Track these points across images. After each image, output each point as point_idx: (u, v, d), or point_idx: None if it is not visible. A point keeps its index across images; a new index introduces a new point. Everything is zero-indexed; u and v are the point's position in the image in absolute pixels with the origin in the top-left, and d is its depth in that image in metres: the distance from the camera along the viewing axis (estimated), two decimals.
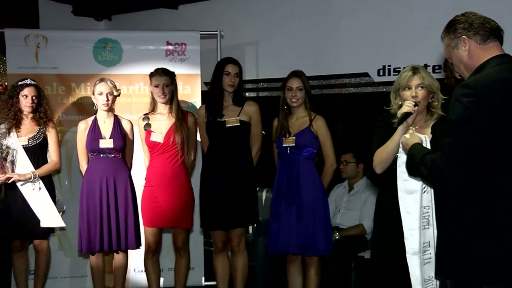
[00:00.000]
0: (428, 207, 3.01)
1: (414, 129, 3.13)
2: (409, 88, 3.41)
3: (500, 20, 2.68)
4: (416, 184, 3.07)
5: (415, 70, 3.45)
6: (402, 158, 3.06)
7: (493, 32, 2.58)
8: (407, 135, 2.97)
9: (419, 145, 2.79)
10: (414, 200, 3.08)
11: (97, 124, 4.96)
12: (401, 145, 3.06)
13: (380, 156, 3.38)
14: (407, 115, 3.24)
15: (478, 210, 2.46)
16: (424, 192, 3.02)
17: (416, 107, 3.28)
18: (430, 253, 3.04)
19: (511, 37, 2.93)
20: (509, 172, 2.43)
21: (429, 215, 3.03)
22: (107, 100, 4.91)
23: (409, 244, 3.10)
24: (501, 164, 2.43)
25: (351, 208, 5.47)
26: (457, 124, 2.42)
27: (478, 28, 2.56)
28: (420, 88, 3.39)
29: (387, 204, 3.39)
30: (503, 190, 2.44)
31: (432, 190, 3.06)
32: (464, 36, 2.58)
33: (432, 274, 2.99)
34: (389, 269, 3.50)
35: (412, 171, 2.79)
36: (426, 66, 5.45)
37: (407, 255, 3.11)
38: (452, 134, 2.43)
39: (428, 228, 3.02)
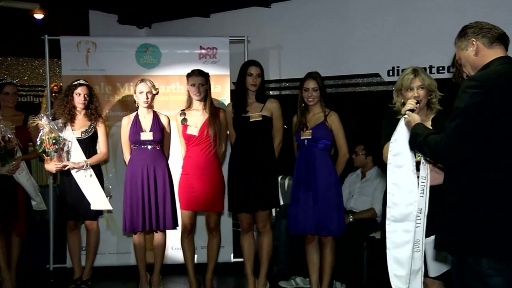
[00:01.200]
0: (424, 178, 2.96)
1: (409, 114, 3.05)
2: (411, 89, 3.44)
3: (500, 24, 2.71)
4: (406, 159, 3.00)
5: (415, 72, 3.48)
6: (394, 136, 2.99)
7: (499, 37, 2.60)
8: (407, 114, 2.94)
9: (422, 125, 2.76)
10: (404, 174, 3.01)
11: (139, 119, 4.99)
12: (400, 124, 2.99)
13: (388, 149, 3.41)
14: (411, 111, 3.26)
15: (475, 188, 2.45)
16: (423, 164, 2.95)
17: (418, 104, 3.27)
18: (420, 219, 2.95)
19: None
20: (506, 156, 2.43)
21: (424, 185, 2.97)
22: (147, 98, 4.94)
23: (390, 212, 3.02)
24: (499, 149, 2.43)
25: (363, 194, 5.45)
26: (462, 111, 2.42)
27: (486, 32, 2.59)
28: (421, 88, 3.43)
29: None
30: (500, 171, 2.43)
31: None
32: (473, 39, 2.61)
33: (420, 237, 2.93)
34: None
35: (415, 148, 2.79)
36: (431, 67, 5.45)
37: (387, 221, 3.04)
38: (457, 119, 2.43)
39: (422, 197, 2.96)
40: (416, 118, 2.85)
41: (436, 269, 3.15)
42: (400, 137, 2.98)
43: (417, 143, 2.66)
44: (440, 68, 5.45)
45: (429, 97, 3.47)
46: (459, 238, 2.49)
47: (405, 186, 3.01)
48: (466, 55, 2.65)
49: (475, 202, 2.45)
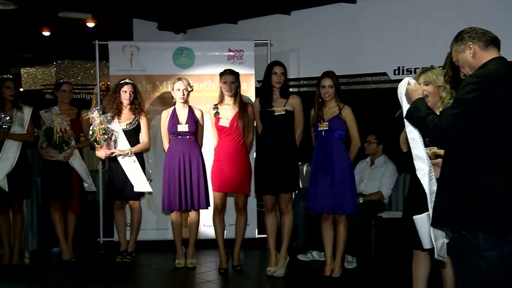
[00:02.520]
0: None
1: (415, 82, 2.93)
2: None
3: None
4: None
5: (422, 71, 3.48)
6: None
7: (492, 40, 2.58)
8: (412, 85, 2.81)
9: (423, 101, 2.71)
10: (418, 145, 2.90)
11: (176, 113, 5.01)
12: (403, 96, 2.87)
13: (403, 138, 3.42)
14: None
15: (472, 170, 2.43)
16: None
17: (427, 97, 3.22)
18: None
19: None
20: (501, 139, 2.42)
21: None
22: (183, 95, 4.96)
23: (417, 164, 2.88)
24: (495, 133, 2.41)
25: (372, 179, 5.42)
26: (464, 101, 2.41)
27: (481, 36, 2.56)
28: (425, 85, 3.38)
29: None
30: (495, 153, 2.41)
31: None
32: (469, 42, 2.58)
33: (435, 188, 2.80)
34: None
35: (413, 121, 2.71)
36: (431, 66, 5.37)
37: (418, 174, 2.88)
38: (458, 107, 2.42)
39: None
40: (419, 91, 2.78)
41: (430, 241, 3.07)
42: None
43: (416, 117, 2.62)
44: (441, 67, 5.38)
45: (440, 93, 3.40)
46: (458, 215, 2.46)
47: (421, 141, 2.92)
48: (464, 57, 2.61)
49: (472, 182, 2.43)
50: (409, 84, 2.85)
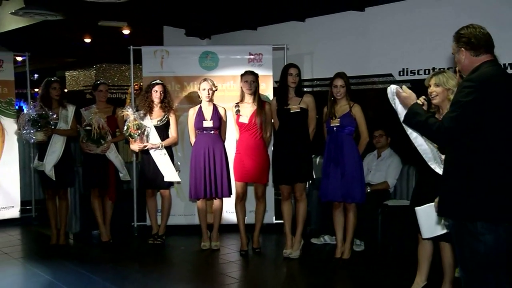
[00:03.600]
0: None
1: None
2: (429, 86, 3.36)
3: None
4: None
5: (434, 73, 3.41)
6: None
7: (485, 46, 2.51)
8: (404, 90, 2.74)
9: (419, 105, 2.68)
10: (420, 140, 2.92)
11: (202, 110, 4.99)
12: (396, 97, 2.80)
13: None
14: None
15: (471, 164, 2.41)
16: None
17: (425, 102, 3.16)
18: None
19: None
20: (498, 136, 2.39)
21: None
22: (209, 94, 4.95)
23: (427, 156, 2.93)
24: (493, 131, 2.39)
25: (379, 170, 5.34)
26: (461, 105, 2.39)
27: (474, 45, 2.50)
28: (435, 86, 3.31)
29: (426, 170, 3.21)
30: (488, 149, 2.39)
31: None
32: (462, 49, 2.53)
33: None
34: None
35: (412, 125, 2.66)
36: (433, 68, 5.32)
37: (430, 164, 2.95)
38: (457, 110, 2.39)
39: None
40: (413, 97, 2.73)
41: (429, 232, 3.07)
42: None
43: (415, 121, 2.58)
44: (442, 70, 5.28)
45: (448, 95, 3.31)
46: (459, 206, 2.43)
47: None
48: (458, 58, 2.58)
49: (473, 176, 2.40)
50: (400, 90, 2.77)
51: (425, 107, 3.14)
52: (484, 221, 2.37)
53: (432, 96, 3.32)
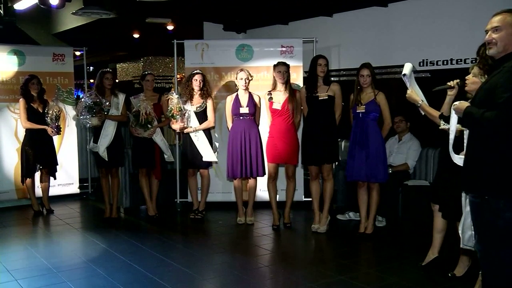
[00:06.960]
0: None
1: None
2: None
3: None
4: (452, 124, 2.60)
5: (475, 64, 3.12)
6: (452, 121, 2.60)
7: None
8: (457, 103, 2.48)
9: (471, 106, 2.39)
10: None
11: (238, 97, 4.99)
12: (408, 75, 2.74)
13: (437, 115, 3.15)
14: (449, 87, 3.03)
15: (498, 141, 2.23)
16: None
17: (457, 85, 2.98)
18: None
19: None
20: None
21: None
22: (245, 83, 4.94)
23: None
24: None
25: (400, 153, 5.27)
26: None
27: None
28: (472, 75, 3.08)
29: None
30: None
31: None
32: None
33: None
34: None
35: (471, 123, 2.39)
36: (451, 59, 5.27)
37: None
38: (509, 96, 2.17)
39: None
40: (464, 104, 2.45)
41: (469, 239, 2.77)
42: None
43: (473, 119, 2.32)
44: (459, 60, 5.23)
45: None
46: (483, 183, 2.29)
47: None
48: (502, 34, 2.36)
49: (497, 154, 2.24)
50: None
51: (455, 91, 2.99)
52: (506, 199, 2.23)
53: (457, 83, 3.10)
